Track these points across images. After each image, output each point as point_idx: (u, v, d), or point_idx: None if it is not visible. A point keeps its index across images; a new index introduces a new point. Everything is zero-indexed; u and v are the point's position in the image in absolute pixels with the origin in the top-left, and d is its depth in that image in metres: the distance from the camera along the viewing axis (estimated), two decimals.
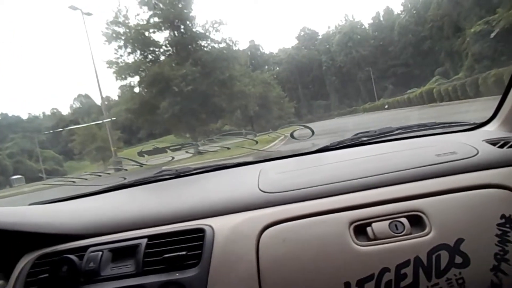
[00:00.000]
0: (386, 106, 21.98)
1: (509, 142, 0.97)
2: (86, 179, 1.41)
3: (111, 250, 0.84)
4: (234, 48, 16.55)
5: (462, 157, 0.90)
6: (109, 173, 1.44)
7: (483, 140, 1.01)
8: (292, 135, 1.45)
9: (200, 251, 0.78)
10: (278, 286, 0.72)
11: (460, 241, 0.71)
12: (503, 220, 0.73)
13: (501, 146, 0.96)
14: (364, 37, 38.32)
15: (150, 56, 15.86)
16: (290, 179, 1.00)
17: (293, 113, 23.19)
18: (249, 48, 39.14)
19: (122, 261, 0.82)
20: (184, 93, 14.05)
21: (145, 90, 15.54)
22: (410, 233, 0.74)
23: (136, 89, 16.11)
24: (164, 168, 1.46)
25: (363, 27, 39.87)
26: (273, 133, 1.64)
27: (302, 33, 43.51)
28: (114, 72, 15.23)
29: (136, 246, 0.82)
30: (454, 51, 25.72)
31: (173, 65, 15.05)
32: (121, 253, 0.83)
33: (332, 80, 37.35)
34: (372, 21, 40.07)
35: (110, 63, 15.23)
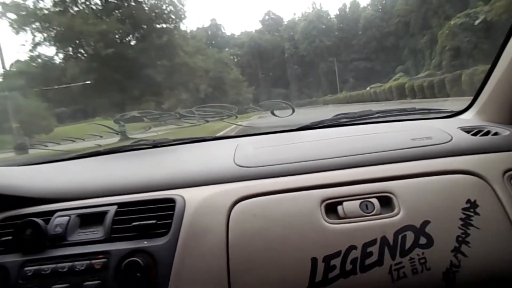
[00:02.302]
0: (349, 98, 20.64)
1: (482, 131, 1.01)
2: (59, 143, 1.35)
3: (79, 215, 0.82)
4: (181, 8, 13.31)
5: (436, 143, 0.93)
6: (83, 139, 1.39)
7: (458, 128, 1.04)
8: (272, 112, 1.39)
9: (170, 221, 0.78)
10: (246, 260, 0.72)
11: (426, 223, 0.74)
12: (468, 205, 0.76)
13: (475, 134, 0.99)
14: (329, 28, 37.86)
15: (60, 4, 11.84)
16: (266, 155, 1.01)
17: (251, 99, 21.55)
18: (210, 27, 37.26)
19: (90, 227, 0.80)
20: (103, 58, 10.71)
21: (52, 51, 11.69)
22: (379, 214, 0.76)
23: (41, 50, 12.35)
24: (140, 137, 1.41)
25: (329, 17, 39.52)
26: (226, 119, 1.42)
27: (267, 17, 42.78)
28: (10, 24, 11.03)
29: (105, 212, 0.81)
30: (418, 49, 25.40)
31: (90, 18, 11.36)
32: (89, 219, 0.82)
33: (294, 68, 36.54)
34: (338, 12, 39.50)
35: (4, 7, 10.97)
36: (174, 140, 1.33)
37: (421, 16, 23.89)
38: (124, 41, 11.28)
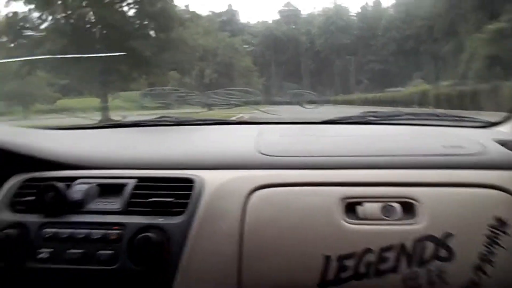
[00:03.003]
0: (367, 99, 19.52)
1: None
2: (85, 112, 0.75)
3: (99, 185, 0.84)
4: None
5: (468, 153, 0.89)
6: (107, 108, 0.89)
7: (493, 140, 0.97)
8: (299, 103, 1.42)
9: (187, 201, 0.78)
10: (259, 248, 0.72)
11: (448, 235, 0.71)
12: (496, 222, 0.72)
13: (511, 148, 0.94)
14: (348, 25, 36.84)
15: None
16: (289, 145, 1.00)
17: (260, 91, 20.58)
18: (225, 13, 36.28)
19: (108, 198, 0.82)
20: (76, 21, 9.07)
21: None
22: (400, 219, 0.74)
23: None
24: (164, 114, 1.44)
25: (350, 14, 38.48)
26: (233, 108, 1.46)
27: (286, 8, 41.58)
28: None
29: (124, 185, 0.82)
30: (440, 56, 24.15)
31: None
32: (108, 189, 0.83)
33: (308, 64, 35.61)
34: (360, 10, 38.31)
35: None
36: (197, 120, 1.35)
37: (448, 21, 22.50)
38: (104, 2, 9.35)
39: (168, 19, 10.65)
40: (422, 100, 13.67)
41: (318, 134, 1.12)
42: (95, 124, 1.32)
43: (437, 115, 1.28)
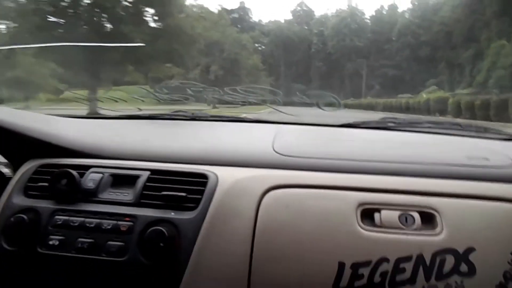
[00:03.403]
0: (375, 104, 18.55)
1: None
2: (102, 101, 1.42)
3: (112, 175, 0.84)
4: None
5: (494, 165, 0.86)
6: (125, 101, 1.46)
7: None
8: (318, 105, 1.38)
9: (200, 197, 0.77)
10: (271, 250, 0.71)
11: (470, 249, 0.68)
12: None
13: None
14: (362, 28, 36.18)
15: None
16: (306, 146, 0.98)
17: (268, 91, 19.83)
18: (237, 10, 35.81)
19: (120, 188, 0.82)
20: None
21: None
22: (419, 229, 0.72)
23: None
24: (180, 109, 1.43)
25: (364, 17, 37.71)
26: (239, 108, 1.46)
27: (299, 8, 41.21)
28: None
29: (138, 176, 0.82)
30: (457, 63, 23.17)
31: None
32: (121, 180, 0.83)
33: (319, 65, 34.95)
34: (374, 14, 37.51)
35: None
36: (213, 116, 1.35)
37: (467, 27, 21.52)
38: None
39: (166, 3, 9.66)
40: (439, 107, 12.68)
41: (336, 137, 1.13)
42: (111, 114, 1.34)
43: (460, 125, 1.27)
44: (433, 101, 13.30)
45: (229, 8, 34.51)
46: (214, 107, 1.78)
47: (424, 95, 15.64)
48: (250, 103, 1.41)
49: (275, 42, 35.80)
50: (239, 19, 35.45)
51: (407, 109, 14.82)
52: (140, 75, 10.46)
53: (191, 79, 13.71)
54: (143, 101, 1.43)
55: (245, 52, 16.57)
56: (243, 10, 36.32)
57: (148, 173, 0.81)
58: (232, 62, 14.29)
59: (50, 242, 0.72)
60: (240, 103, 1.44)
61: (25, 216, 0.74)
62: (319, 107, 1.33)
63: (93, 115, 1.28)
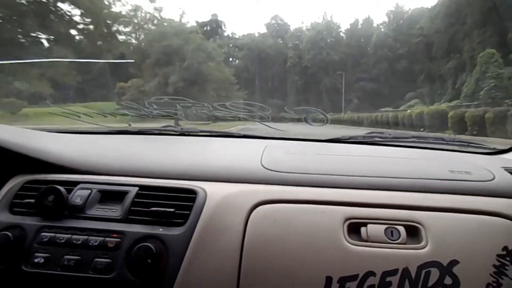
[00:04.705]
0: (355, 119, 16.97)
1: None
2: (91, 116, 1.40)
3: (100, 191, 0.84)
4: None
5: (476, 179, 0.88)
6: (115, 116, 1.44)
7: (502, 167, 0.96)
8: (305, 120, 1.38)
9: (188, 212, 0.77)
10: (259, 265, 0.71)
11: (454, 262, 0.70)
12: (504, 252, 0.71)
13: None
14: (338, 41, 35.41)
15: None
16: (294, 162, 0.98)
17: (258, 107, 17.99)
18: (209, 22, 34.29)
19: (108, 204, 0.81)
20: None
21: None
22: (405, 243, 0.73)
23: None
24: (169, 124, 1.46)
25: (340, 30, 37.03)
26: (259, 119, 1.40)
27: (273, 21, 40.21)
28: None
29: (126, 192, 0.82)
30: (437, 75, 22.24)
31: None
32: (109, 196, 0.83)
33: (295, 79, 33.56)
34: (349, 27, 36.94)
35: None
36: (202, 131, 1.35)
37: (447, 38, 20.63)
38: None
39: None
40: (418, 121, 11.17)
41: (323, 152, 1.10)
42: (99, 129, 1.29)
43: (444, 140, 1.28)
44: (427, 114, 11.53)
45: (200, 20, 33.01)
46: (177, 124, 1.58)
47: (408, 110, 14.13)
48: (240, 119, 1.40)
49: (249, 56, 34.31)
50: (211, 31, 33.87)
51: (394, 124, 13.23)
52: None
53: (147, 92, 11.69)
54: (105, 116, 1.37)
55: (213, 63, 14.69)
56: (215, 23, 34.79)
57: (136, 189, 0.81)
58: (195, 73, 12.35)
59: (36, 260, 0.71)
60: (229, 118, 1.41)
61: (10, 234, 0.72)
62: (307, 123, 1.33)
63: (82, 130, 1.25)
